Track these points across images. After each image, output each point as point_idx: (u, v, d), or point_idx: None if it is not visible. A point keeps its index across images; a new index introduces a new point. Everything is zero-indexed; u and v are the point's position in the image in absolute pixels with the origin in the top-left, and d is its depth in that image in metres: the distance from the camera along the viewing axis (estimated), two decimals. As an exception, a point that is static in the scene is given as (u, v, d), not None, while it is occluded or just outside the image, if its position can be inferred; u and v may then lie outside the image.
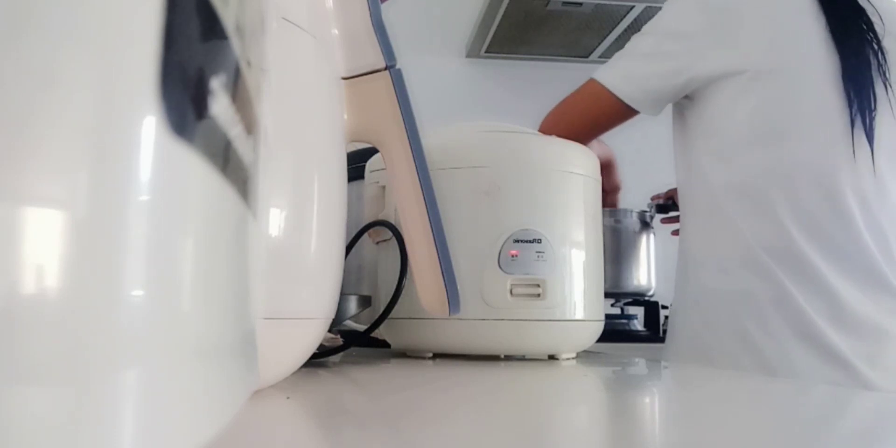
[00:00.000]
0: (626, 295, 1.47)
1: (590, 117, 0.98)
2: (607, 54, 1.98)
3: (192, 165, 0.14)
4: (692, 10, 0.93)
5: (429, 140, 0.43)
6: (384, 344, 0.66)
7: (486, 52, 1.99)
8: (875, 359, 0.85)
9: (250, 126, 0.20)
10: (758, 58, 0.88)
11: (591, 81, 0.98)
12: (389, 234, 0.58)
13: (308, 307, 0.33)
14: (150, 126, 0.13)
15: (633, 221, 1.45)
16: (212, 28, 0.15)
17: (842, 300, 0.85)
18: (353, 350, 0.68)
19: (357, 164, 0.65)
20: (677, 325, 0.97)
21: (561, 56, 2.01)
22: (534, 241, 0.58)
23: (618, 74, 0.96)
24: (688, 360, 0.92)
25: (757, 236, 0.88)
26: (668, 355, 0.97)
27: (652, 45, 0.96)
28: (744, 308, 0.88)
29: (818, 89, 0.89)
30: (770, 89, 0.88)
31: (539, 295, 0.57)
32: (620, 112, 0.95)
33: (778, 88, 0.88)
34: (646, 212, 1.46)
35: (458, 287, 0.43)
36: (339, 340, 0.52)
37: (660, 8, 1.71)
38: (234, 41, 0.17)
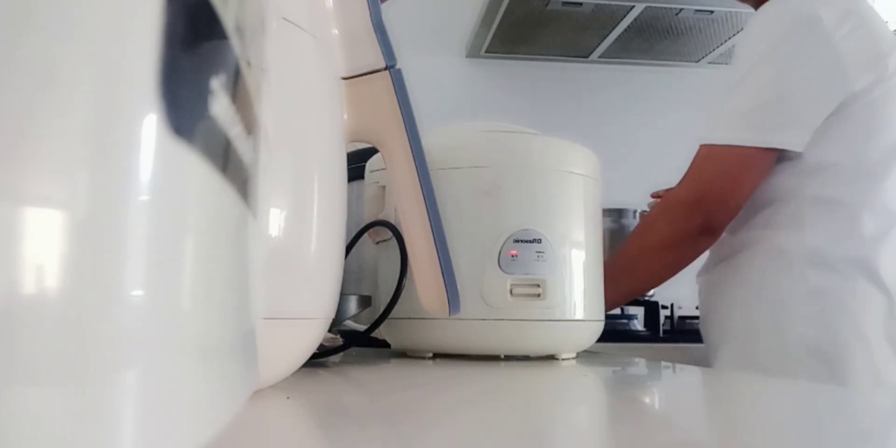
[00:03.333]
0: (626, 295, 1.47)
1: (754, 184, 0.93)
2: (607, 54, 1.98)
3: (192, 165, 0.14)
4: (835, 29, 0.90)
5: (429, 140, 0.43)
6: (384, 344, 0.66)
7: (486, 52, 1.99)
8: None
9: (250, 126, 0.20)
10: (861, 67, 0.89)
11: (746, 150, 0.90)
12: (389, 234, 0.58)
13: (308, 307, 0.33)
14: (150, 126, 0.13)
15: (633, 221, 1.45)
16: (212, 28, 0.15)
17: None
18: (353, 350, 0.68)
19: (357, 164, 0.65)
20: (735, 331, 0.94)
21: (561, 56, 2.01)
22: (534, 241, 0.58)
23: (785, 127, 0.90)
24: (741, 367, 0.90)
25: (874, 242, 0.88)
26: (717, 361, 0.94)
27: (787, 80, 0.91)
28: (863, 313, 0.87)
29: None
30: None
31: (539, 295, 0.57)
32: (774, 160, 0.92)
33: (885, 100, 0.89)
34: (646, 212, 1.47)
35: (458, 287, 0.43)
36: (339, 340, 0.52)
37: (660, 8, 1.70)
38: (234, 41, 0.17)
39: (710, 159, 0.94)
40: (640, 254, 0.97)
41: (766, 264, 0.94)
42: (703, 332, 1.05)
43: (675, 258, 0.97)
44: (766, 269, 0.93)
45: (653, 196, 1.28)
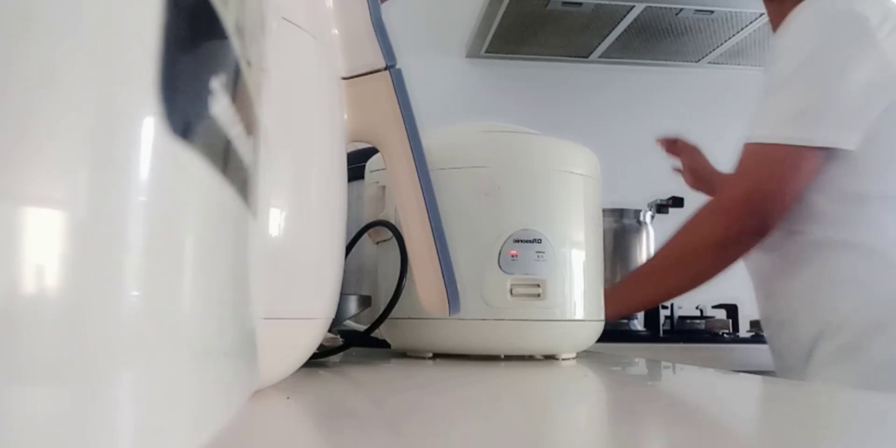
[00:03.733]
0: (625, 295, 1.46)
1: (805, 182, 0.92)
2: (607, 54, 1.98)
3: (192, 165, 0.14)
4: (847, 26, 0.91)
5: (429, 140, 0.43)
6: (384, 344, 0.66)
7: (486, 52, 1.99)
8: None
9: (250, 126, 0.20)
10: None
11: (796, 149, 0.90)
12: (389, 234, 0.58)
13: (308, 307, 0.33)
14: (150, 126, 0.13)
15: (632, 221, 1.45)
16: (212, 28, 0.15)
17: None
18: (353, 350, 0.68)
19: (357, 164, 0.65)
20: (837, 329, 0.91)
21: (561, 56, 2.01)
22: (534, 241, 0.58)
23: (835, 126, 0.90)
24: (844, 365, 0.88)
25: None
26: (813, 361, 0.92)
27: (829, 77, 0.91)
28: None
29: None
30: None
31: (539, 295, 0.57)
32: (824, 159, 0.91)
33: None
34: (646, 212, 1.47)
35: (458, 287, 0.43)
36: (339, 340, 0.52)
37: (660, 8, 1.70)
38: (234, 41, 0.17)
39: (760, 158, 0.93)
40: (691, 252, 0.97)
41: (860, 264, 0.92)
42: (777, 333, 1.02)
43: (727, 256, 0.96)
44: (865, 269, 0.92)
45: (658, 141, 1.27)
